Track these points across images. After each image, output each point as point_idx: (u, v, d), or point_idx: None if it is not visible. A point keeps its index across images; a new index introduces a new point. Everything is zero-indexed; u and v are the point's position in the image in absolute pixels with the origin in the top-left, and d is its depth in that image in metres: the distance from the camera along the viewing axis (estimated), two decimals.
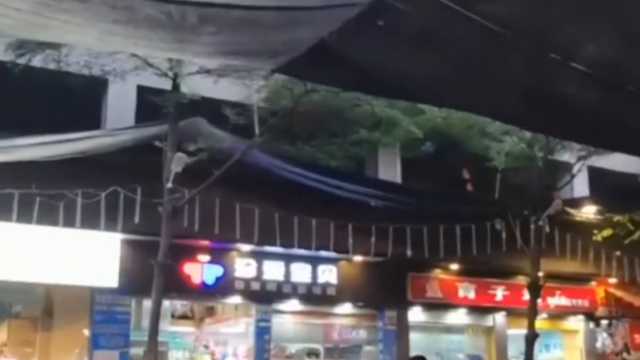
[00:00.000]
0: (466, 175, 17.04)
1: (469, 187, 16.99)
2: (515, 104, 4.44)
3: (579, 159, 15.25)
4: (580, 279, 17.62)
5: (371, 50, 3.74)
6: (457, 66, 3.89)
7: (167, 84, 11.51)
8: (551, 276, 15.53)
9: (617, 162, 16.98)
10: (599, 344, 18.23)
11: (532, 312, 13.78)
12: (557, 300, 17.43)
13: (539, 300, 14.30)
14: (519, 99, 4.32)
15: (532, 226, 13.77)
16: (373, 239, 13.73)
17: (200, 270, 13.63)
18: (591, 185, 18.54)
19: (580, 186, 18.18)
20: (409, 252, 13.85)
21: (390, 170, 16.38)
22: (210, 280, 13.72)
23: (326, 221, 13.39)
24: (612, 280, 18.11)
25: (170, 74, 11.26)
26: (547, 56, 3.71)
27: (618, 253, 16.53)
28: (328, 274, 14.87)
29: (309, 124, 12.98)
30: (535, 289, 13.74)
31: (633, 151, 6.02)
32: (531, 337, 13.45)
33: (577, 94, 4.18)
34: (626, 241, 17.10)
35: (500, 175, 15.38)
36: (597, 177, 18.22)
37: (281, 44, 3.69)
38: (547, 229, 14.04)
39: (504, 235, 14.13)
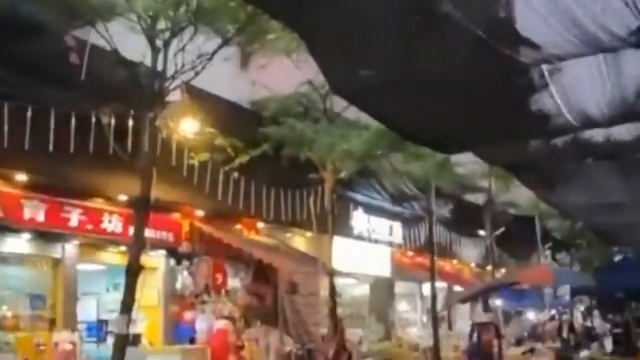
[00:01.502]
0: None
1: (74, 58, 13.54)
2: None
3: None
4: (165, 208, 16.12)
5: None
6: None
7: None
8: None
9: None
10: (179, 285, 17.21)
11: (138, 241, 11.60)
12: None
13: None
14: None
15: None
16: None
17: None
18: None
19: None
20: None
21: None
22: None
23: None
24: (201, 213, 17.27)
25: None
26: None
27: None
28: None
29: None
30: (144, 212, 11.60)
31: None
32: (134, 271, 11.33)
33: None
34: (226, 168, 16.46)
35: None
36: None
37: None
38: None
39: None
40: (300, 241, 21.59)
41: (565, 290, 38.07)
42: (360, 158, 16.31)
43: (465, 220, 26.26)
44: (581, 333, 37.40)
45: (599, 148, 17.67)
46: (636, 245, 31.79)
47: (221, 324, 16.86)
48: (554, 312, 33.78)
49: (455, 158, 23.53)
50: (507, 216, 27.52)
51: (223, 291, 18.13)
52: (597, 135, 17.55)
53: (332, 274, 16.36)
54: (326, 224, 17.36)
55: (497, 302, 33.95)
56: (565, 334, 27.13)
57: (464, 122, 11.05)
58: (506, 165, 19.46)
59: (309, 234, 21.27)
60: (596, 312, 36.12)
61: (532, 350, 22.01)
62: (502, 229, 25.46)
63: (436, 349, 20.24)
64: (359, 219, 23.86)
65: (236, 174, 16.48)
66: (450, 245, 27.12)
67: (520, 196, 32.14)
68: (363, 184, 22.36)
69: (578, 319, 36.77)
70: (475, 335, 14.62)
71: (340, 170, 16.19)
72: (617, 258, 31.66)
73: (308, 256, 20.10)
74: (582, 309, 38.32)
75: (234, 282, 18.58)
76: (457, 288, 29.74)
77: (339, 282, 19.47)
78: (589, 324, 40.21)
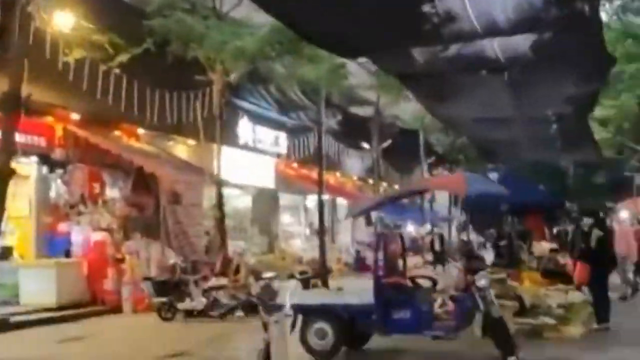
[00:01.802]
0: None
1: None
2: None
3: None
4: (36, 110, 14.72)
5: None
6: None
7: None
8: None
9: None
10: (52, 194, 16.06)
11: (8, 145, 10.22)
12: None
13: None
14: None
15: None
16: None
17: None
18: None
19: None
20: None
21: None
22: None
23: None
24: (76, 116, 16.03)
25: None
26: None
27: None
28: None
29: None
30: (13, 112, 10.21)
31: None
32: (4, 177, 10.09)
33: None
34: (104, 67, 15.27)
35: None
36: None
37: None
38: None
39: None
40: (182, 149, 20.69)
41: (443, 204, 39.31)
42: (252, 58, 15.42)
43: (352, 132, 26.07)
44: (457, 246, 39.02)
45: (493, 60, 17.58)
46: (516, 161, 33.04)
47: (98, 236, 15.99)
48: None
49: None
50: (394, 128, 27.60)
51: (100, 201, 17.15)
52: (492, 46, 17.39)
53: (220, 183, 15.68)
54: (212, 131, 16.54)
55: (378, 215, 34.71)
56: (437, 247, 27.18)
57: (366, 23, 10.51)
58: (400, 74, 19.19)
59: (191, 142, 20.42)
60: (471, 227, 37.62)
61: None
62: (389, 142, 25.49)
63: (322, 261, 20.18)
64: (244, 128, 23.14)
65: (115, 74, 15.30)
66: (338, 157, 26.99)
67: (406, 110, 32.40)
68: (250, 90, 21.51)
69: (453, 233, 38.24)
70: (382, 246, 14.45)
71: (230, 72, 15.27)
72: (492, 174, 32.79)
73: (191, 165, 19.33)
74: (456, 223, 39.86)
75: (112, 192, 17.60)
76: (340, 200, 29.93)
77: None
78: (464, 237, 42.00)
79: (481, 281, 8.63)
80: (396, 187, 34.61)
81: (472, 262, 9.53)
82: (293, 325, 9.27)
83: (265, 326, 7.17)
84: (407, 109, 32.63)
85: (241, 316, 14.12)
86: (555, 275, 16.69)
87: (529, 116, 23.88)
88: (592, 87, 19.48)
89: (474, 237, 41.02)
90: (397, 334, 9.05)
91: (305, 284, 20.41)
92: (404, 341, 9.51)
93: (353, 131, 26.11)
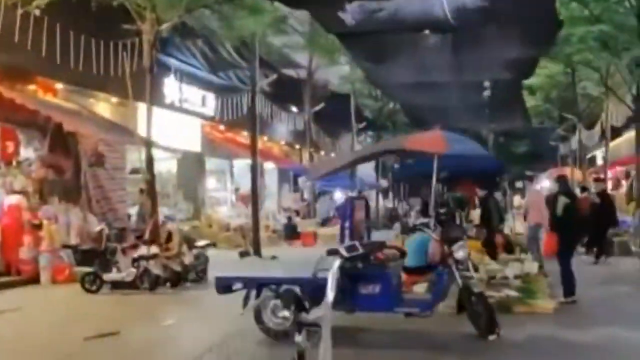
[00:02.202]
0: None
1: None
2: None
3: None
4: None
5: None
6: None
7: None
8: None
9: None
10: None
11: None
12: None
13: None
14: None
15: None
16: None
17: None
18: None
19: None
20: None
21: None
22: None
23: None
24: None
25: None
26: None
27: None
28: None
29: None
30: None
31: None
32: None
33: None
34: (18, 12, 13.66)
35: None
36: None
37: None
38: None
39: None
40: (104, 107, 19.12)
41: (367, 172, 38.68)
42: (188, 5, 14.02)
43: (284, 94, 24.94)
44: (384, 213, 38.66)
45: (441, 20, 16.69)
46: (444, 129, 32.59)
47: (13, 199, 14.48)
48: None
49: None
50: (325, 92, 26.63)
51: (14, 162, 15.59)
52: (442, 3, 16.47)
53: (149, 145, 14.34)
54: (139, 88, 15.08)
55: (307, 183, 33.80)
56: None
57: None
58: (341, 32, 18.21)
59: (114, 100, 18.91)
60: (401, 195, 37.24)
61: None
62: (321, 105, 24.49)
63: (256, 229, 19.15)
64: (170, 86, 21.67)
65: (35, 17, 13.70)
66: (271, 119, 25.79)
67: (336, 74, 31.51)
68: (177, 45, 20.00)
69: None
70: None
71: (162, 21, 13.85)
72: None
73: (117, 125, 17.84)
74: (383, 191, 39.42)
75: (26, 152, 16.02)
76: (269, 165, 28.83)
77: (142, 156, 17.38)
78: (389, 204, 41.73)
79: (459, 252, 7.81)
80: (323, 153, 33.78)
81: (450, 230, 8.55)
82: (245, 303, 8.28)
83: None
84: (339, 73, 31.81)
85: (170, 288, 13.07)
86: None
87: (464, 81, 23.49)
88: (539, 50, 19.07)
89: (403, 204, 40.93)
90: (365, 312, 8.09)
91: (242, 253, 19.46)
92: (368, 319, 8.58)
93: (285, 93, 24.96)
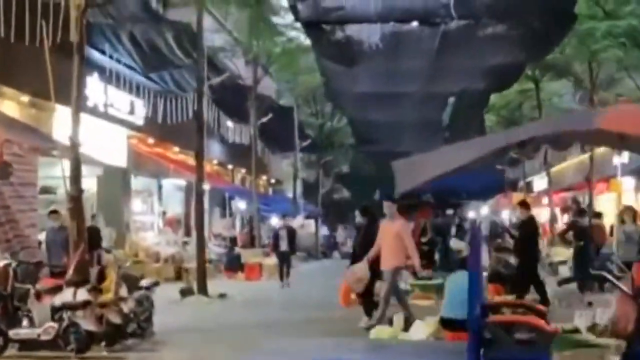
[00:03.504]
0: None
1: None
2: None
3: None
4: None
5: None
6: None
7: None
8: None
9: None
10: None
11: None
12: None
13: None
14: None
15: None
16: None
17: None
18: None
19: None
20: None
21: None
22: None
23: None
24: None
25: None
26: None
27: None
28: None
29: None
30: None
31: None
32: None
33: None
34: None
35: None
36: None
37: None
38: None
39: None
40: (10, 107, 15.14)
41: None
42: None
43: (226, 103, 21.30)
44: (324, 242, 35.49)
45: (443, 5, 13.92)
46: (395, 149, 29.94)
47: None
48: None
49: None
50: (270, 103, 23.25)
51: None
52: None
53: (76, 149, 10.57)
54: (62, 86, 11.29)
55: (241, 206, 30.17)
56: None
57: None
58: (310, 22, 15.37)
59: (24, 98, 15.00)
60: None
61: None
62: (269, 116, 21.07)
63: (202, 262, 15.46)
64: (94, 87, 17.78)
65: None
66: (217, 130, 22.02)
67: (275, 86, 28.32)
68: (106, 34, 16.11)
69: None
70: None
71: None
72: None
73: (28, 126, 13.92)
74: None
75: None
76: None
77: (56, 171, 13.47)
78: (326, 232, 38.49)
79: None
80: (265, 178, 30.12)
81: None
82: None
83: None
84: (277, 86, 28.60)
85: (106, 347, 9.36)
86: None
87: (429, 93, 20.91)
88: (548, 47, 16.53)
89: (340, 231, 37.81)
90: None
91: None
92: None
93: (228, 102, 21.34)
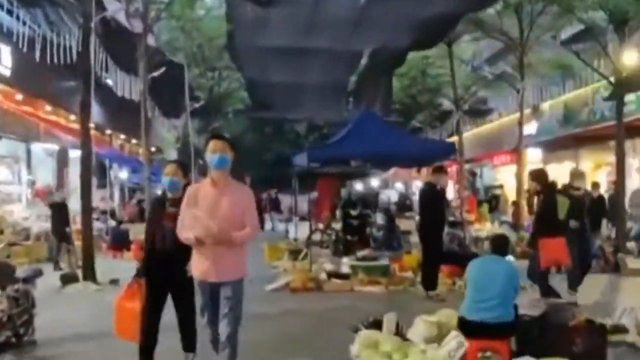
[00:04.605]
0: None
1: None
2: None
3: None
4: None
5: None
6: None
7: None
8: None
9: None
10: None
11: None
12: None
13: None
14: None
15: None
16: None
17: None
18: None
19: None
20: None
21: None
22: None
23: None
24: None
25: None
26: None
27: None
28: None
29: None
30: None
31: None
32: None
33: None
34: None
35: None
36: None
37: None
38: None
39: None
40: None
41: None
42: None
43: (112, 49, 17.92)
44: None
45: None
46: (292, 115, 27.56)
47: None
48: None
49: None
50: (161, 57, 20.12)
51: None
52: None
53: None
54: None
55: (122, 175, 26.82)
56: None
57: None
58: None
59: None
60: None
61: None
62: (161, 70, 17.99)
63: (88, 242, 12.49)
64: None
65: None
66: (104, 78, 18.62)
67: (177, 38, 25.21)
68: None
69: None
70: None
71: None
72: None
73: None
74: None
75: None
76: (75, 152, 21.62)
77: None
78: None
79: None
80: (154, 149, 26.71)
81: None
82: None
83: None
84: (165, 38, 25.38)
85: None
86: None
87: (344, 50, 19.00)
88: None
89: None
90: None
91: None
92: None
93: (114, 48, 17.99)
